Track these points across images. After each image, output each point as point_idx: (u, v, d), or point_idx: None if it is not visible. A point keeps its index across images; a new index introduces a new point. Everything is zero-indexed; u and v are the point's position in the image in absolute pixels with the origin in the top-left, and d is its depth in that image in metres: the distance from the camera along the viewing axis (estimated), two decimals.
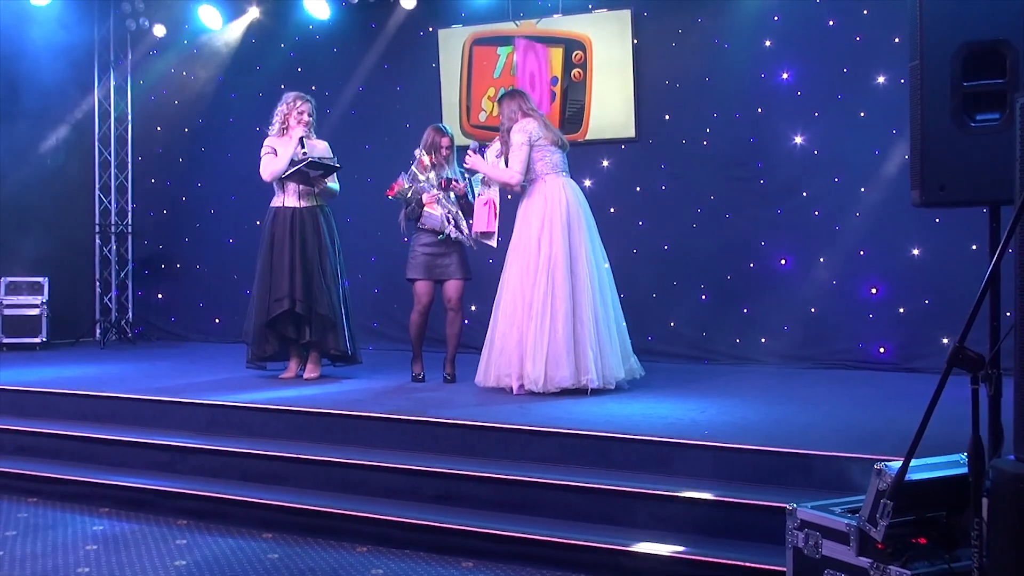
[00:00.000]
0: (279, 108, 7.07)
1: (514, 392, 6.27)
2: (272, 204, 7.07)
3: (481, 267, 7.41)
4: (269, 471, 5.45)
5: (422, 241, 6.91)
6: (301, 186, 6.96)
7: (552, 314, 6.17)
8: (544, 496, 4.76)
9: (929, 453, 3.36)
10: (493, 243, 6.73)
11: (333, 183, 7.13)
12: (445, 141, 6.95)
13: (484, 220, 6.66)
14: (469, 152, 6.66)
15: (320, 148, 7.05)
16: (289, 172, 6.85)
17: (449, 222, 6.81)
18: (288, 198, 7.00)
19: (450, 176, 6.89)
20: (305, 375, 7.09)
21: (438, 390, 6.65)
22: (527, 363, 6.20)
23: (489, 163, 6.58)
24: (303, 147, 6.89)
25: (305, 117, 6.99)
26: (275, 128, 7.06)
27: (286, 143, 6.97)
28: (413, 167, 6.89)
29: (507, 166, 6.44)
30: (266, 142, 7.02)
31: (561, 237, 6.27)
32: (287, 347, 7.14)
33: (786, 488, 4.40)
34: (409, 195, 6.85)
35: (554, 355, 6.15)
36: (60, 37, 9.92)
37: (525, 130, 6.40)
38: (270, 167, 6.93)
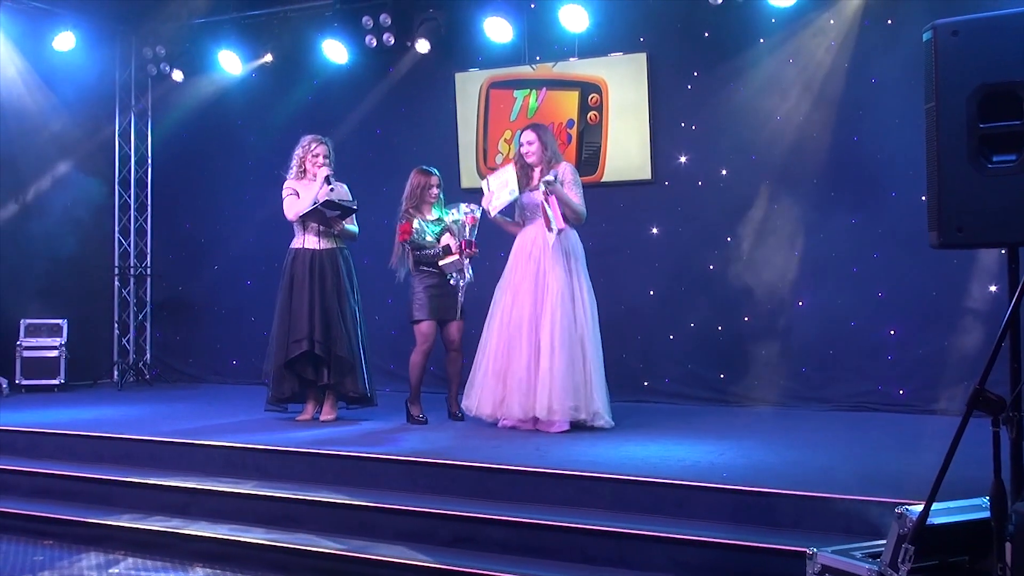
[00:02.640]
0: (296, 151, 7.15)
1: (499, 425, 6.58)
2: (292, 245, 7.11)
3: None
4: (285, 513, 5.43)
5: (426, 283, 7.00)
6: (321, 227, 7.00)
7: (571, 353, 6.38)
8: (561, 539, 4.72)
9: (950, 497, 3.33)
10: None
11: (352, 225, 7.16)
12: (433, 180, 7.14)
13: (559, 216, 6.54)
14: (549, 180, 6.49)
15: (340, 190, 7.11)
16: (307, 211, 6.90)
17: (467, 272, 6.93)
18: (308, 239, 7.04)
19: (442, 217, 7.05)
20: (322, 417, 7.08)
21: (451, 431, 6.64)
22: (541, 396, 6.36)
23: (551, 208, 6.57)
24: (330, 184, 6.96)
25: (320, 160, 7.05)
26: (293, 171, 7.13)
27: (305, 185, 7.03)
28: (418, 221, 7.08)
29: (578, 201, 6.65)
30: (286, 184, 7.11)
31: (569, 280, 6.54)
32: (306, 389, 7.14)
33: (806, 532, 4.35)
34: (422, 240, 7.01)
35: (566, 390, 6.34)
36: (82, 81, 10.07)
37: (576, 173, 6.77)
38: (294, 207, 6.99)
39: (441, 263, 6.94)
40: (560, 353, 6.37)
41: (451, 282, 6.93)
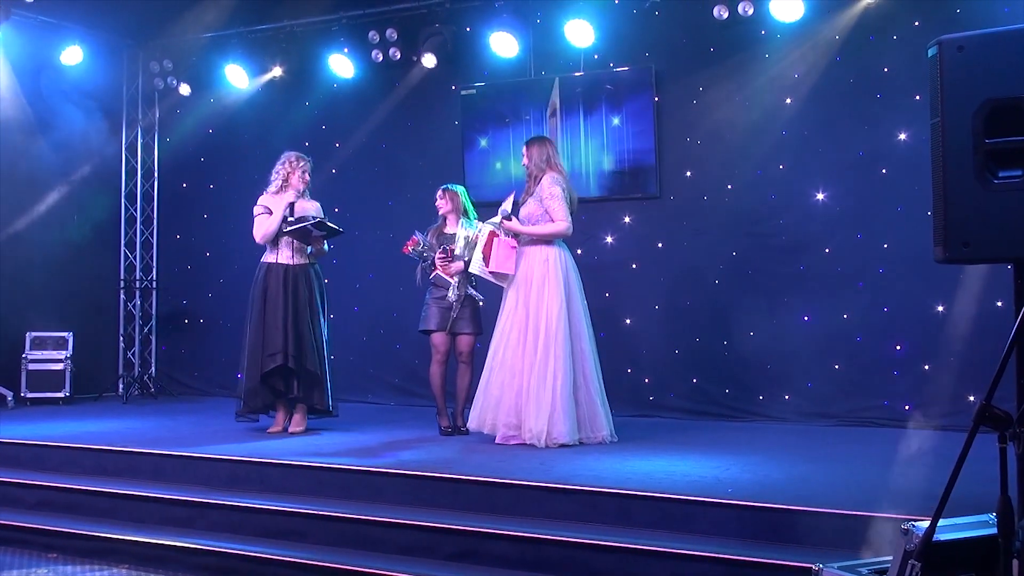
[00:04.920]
0: (279, 167, 7.23)
1: (496, 440, 6.52)
2: (264, 260, 7.22)
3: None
4: (288, 527, 5.42)
5: (435, 295, 7.06)
6: (295, 243, 7.08)
7: (553, 372, 6.37)
8: (565, 554, 4.71)
9: (957, 513, 3.31)
10: (506, 284, 6.78)
11: (326, 244, 7.30)
12: (437, 195, 7.25)
13: (511, 262, 6.70)
14: (503, 222, 6.71)
15: (311, 209, 7.19)
16: (293, 228, 6.99)
17: (455, 289, 6.96)
18: (281, 255, 7.14)
19: (465, 230, 7.04)
20: (291, 428, 7.18)
21: (457, 445, 6.63)
22: (530, 418, 6.39)
23: (524, 224, 6.69)
24: (291, 214, 7.04)
25: (307, 176, 7.20)
26: (273, 186, 7.21)
27: (278, 201, 7.10)
28: (428, 236, 7.13)
29: (551, 218, 6.60)
30: (260, 200, 7.19)
31: (559, 298, 6.49)
32: (276, 400, 7.23)
33: (811, 548, 4.34)
34: (424, 253, 7.03)
35: (555, 412, 6.34)
36: (89, 95, 10.11)
37: (560, 183, 6.65)
38: (262, 228, 7.10)
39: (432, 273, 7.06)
40: (489, 368, 6.60)
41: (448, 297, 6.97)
